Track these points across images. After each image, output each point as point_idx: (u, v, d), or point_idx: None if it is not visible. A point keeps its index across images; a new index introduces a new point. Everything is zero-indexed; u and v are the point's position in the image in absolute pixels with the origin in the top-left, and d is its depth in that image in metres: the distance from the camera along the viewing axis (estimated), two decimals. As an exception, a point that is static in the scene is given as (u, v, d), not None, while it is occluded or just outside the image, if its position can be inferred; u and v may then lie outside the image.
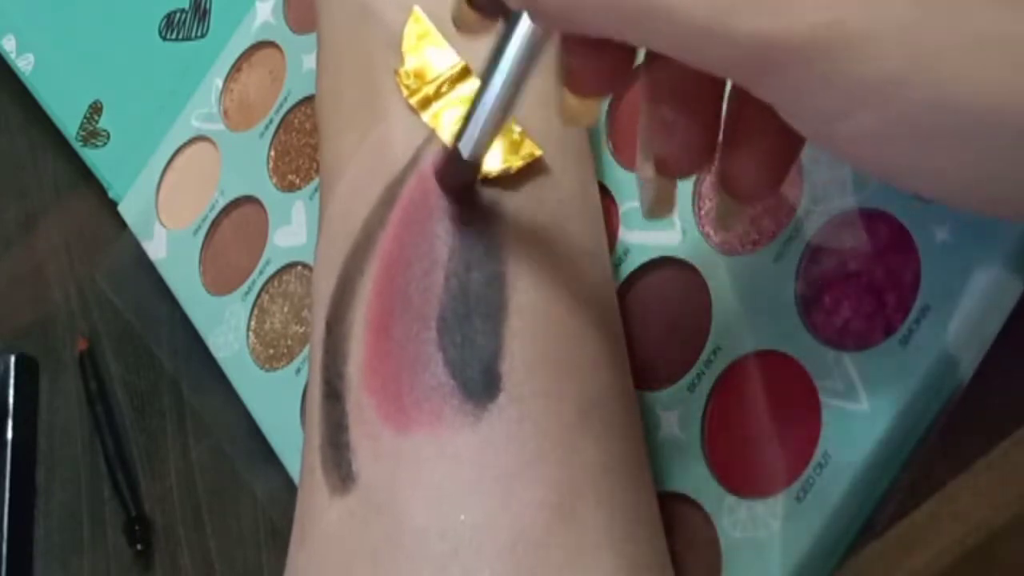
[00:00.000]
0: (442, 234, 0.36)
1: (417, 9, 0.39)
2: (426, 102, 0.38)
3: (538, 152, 0.37)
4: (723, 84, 0.31)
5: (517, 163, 0.37)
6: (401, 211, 0.36)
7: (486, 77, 0.33)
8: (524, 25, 0.31)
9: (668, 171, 0.32)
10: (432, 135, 0.37)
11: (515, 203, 0.36)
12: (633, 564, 0.34)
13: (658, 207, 0.33)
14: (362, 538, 0.33)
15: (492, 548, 0.32)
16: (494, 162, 0.36)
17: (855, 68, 0.25)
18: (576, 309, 0.36)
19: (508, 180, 0.37)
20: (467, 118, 0.34)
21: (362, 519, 0.33)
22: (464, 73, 0.38)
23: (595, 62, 0.31)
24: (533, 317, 0.35)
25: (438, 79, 0.38)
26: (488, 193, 0.36)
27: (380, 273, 0.36)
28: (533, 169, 0.37)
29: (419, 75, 0.38)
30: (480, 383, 0.34)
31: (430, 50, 0.39)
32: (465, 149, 0.34)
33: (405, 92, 0.38)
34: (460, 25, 0.33)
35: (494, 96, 0.33)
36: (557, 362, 0.35)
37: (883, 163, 0.27)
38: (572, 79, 0.32)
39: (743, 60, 0.26)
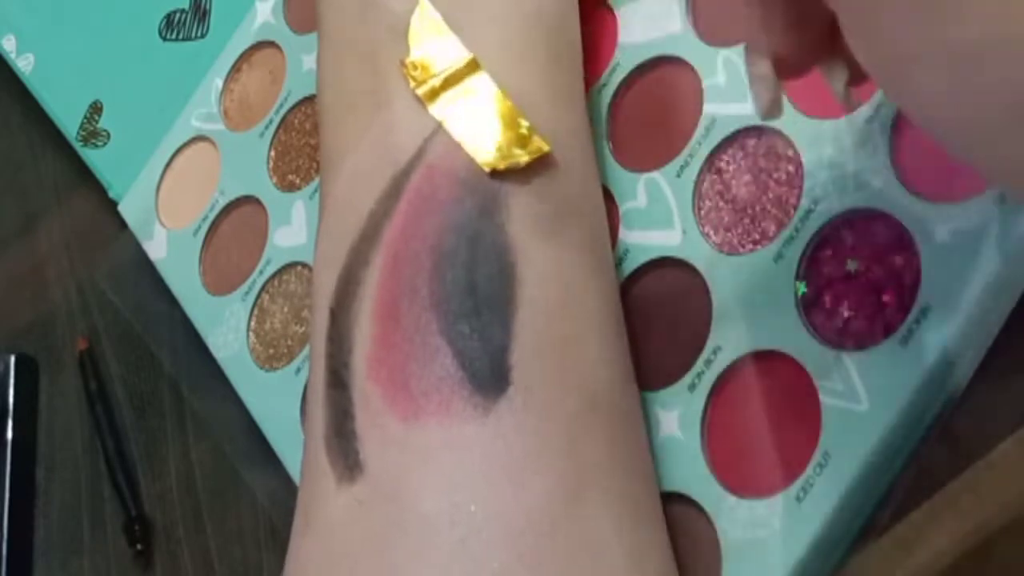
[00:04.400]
0: (449, 227, 0.36)
1: (425, 0, 0.39)
2: (433, 94, 0.38)
3: (546, 147, 0.37)
4: None
5: (524, 158, 0.37)
6: (408, 203, 0.36)
7: None
8: None
9: (787, 71, 0.31)
10: (439, 127, 0.37)
11: (522, 196, 0.36)
12: (639, 553, 0.34)
13: (774, 107, 0.32)
14: (370, 526, 0.33)
15: (501, 537, 0.32)
16: (491, 146, 0.36)
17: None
18: (582, 302, 0.36)
19: (515, 174, 0.37)
20: None
21: (370, 507, 0.33)
22: (472, 66, 0.38)
23: (798, 41, 0.31)
24: (540, 310, 0.35)
25: (446, 71, 0.38)
26: (495, 186, 0.36)
27: (386, 264, 0.36)
28: (541, 163, 0.37)
29: (425, 66, 0.38)
30: (489, 375, 0.34)
31: (437, 41, 0.39)
32: None
33: (412, 83, 0.38)
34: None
35: None
36: (564, 355, 0.35)
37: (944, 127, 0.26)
38: (782, 65, 0.31)
39: None
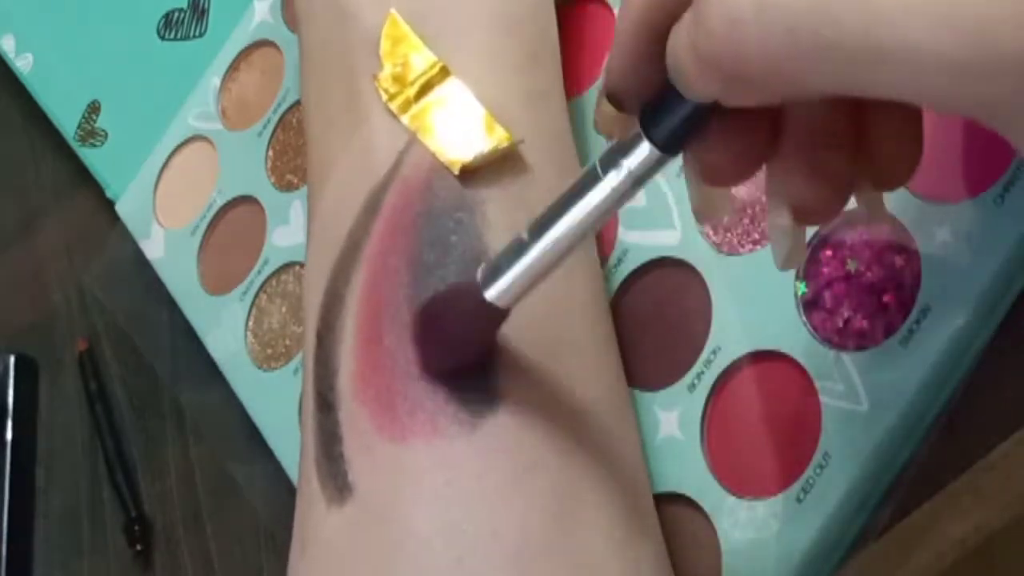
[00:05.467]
0: (426, 240, 0.35)
1: (394, 12, 0.39)
2: (406, 105, 0.38)
3: (508, 139, 0.36)
4: (860, 115, 0.29)
5: (490, 147, 0.36)
6: (385, 219, 0.36)
7: (560, 211, 0.30)
8: (644, 150, 0.29)
9: (809, 219, 0.30)
10: (413, 139, 0.37)
11: (498, 204, 0.36)
12: (635, 566, 0.34)
13: (796, 256, 0.31)
14: (364, 547, 0.33)
15: (497, 556, 0.32)
16: (467, 151, 0.36)
17: None
18: (566, 313, 0.36)
19: (489, 180, 0.36)
20: (515, 254, 0.31)
21: (363, 528, 0.33)
22: (443, 73, 0.38)
23: (737, 149, 0.28)
24: (522, 322, 0.34)
25: (418, 81, 0.38)
26: (470, 194, 0.36)
27: (367, 282, 0.35)
28: (515, 169, 0.37)
29: (398, 79, 0.38)
30: (473, 391, 0.33)
31: (408, 52, 0.38)
32: (500, 294, 0.32)
33: (384, 97, 0.38)
34: (599, 123, 0.31)
35: (573, 234, 0.30)
36: (549, 367, 0.34)
37: None
38: (712, 171, 0.29)
39: (1006, 93, 0.22)
